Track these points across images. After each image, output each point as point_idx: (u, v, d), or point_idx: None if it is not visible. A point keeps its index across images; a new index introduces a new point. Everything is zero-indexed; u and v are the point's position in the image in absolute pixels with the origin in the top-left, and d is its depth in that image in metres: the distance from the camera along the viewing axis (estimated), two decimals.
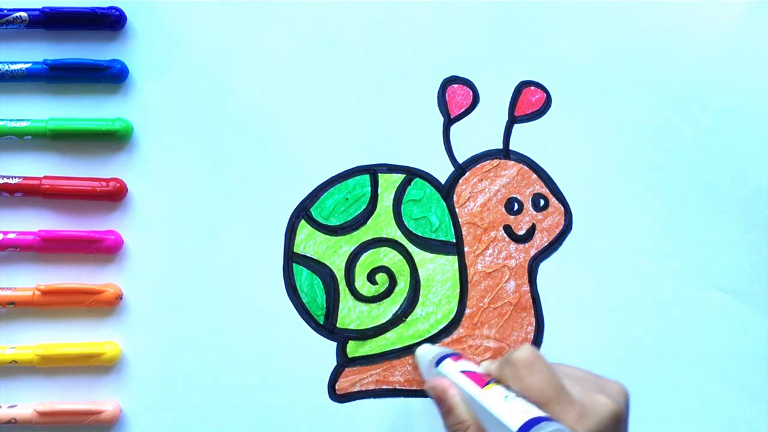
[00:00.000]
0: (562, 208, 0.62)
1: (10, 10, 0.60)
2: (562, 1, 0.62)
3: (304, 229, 0.61)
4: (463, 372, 0.51)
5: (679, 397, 0.61)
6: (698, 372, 0.61)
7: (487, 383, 0.48)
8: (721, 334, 0.61)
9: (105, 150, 0.61)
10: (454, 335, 0.61)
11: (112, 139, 0.60)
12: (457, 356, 0.54)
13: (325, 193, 0.61)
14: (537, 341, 0.61)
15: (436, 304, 0.61)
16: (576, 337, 0.61)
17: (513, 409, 0.44)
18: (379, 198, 0.61)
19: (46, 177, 0.60)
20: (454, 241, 0.61)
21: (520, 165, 0.62)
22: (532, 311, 0.61)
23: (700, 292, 0.61)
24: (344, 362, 0.61)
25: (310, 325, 0.61)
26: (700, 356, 0.61)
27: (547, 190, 0.62)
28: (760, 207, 0.62)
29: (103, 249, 0.60)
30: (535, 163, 0.62)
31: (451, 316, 0.61)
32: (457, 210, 0.61)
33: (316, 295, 0.61)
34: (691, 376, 0.61)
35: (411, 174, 0.61)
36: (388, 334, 0.61)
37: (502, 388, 0.47)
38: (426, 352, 0.58)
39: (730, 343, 0.61)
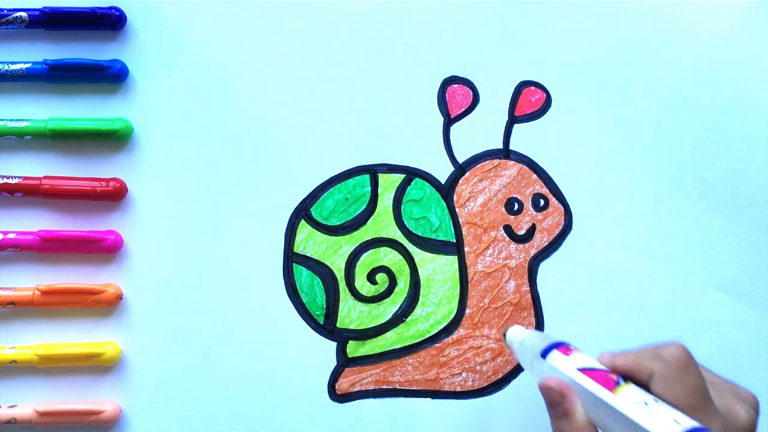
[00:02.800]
0: (562, 208, 0.62)
1: (10, 10, 0.60)
2: (563, 1, 0.62)
3: (304, 229, 0.61)
4: (582, 370, 0.45)
5: None
6: None
7: (616, 384, 0.43)
8: (721, 334, 0.61)
9: (105, 150, 0.61)
10: (455, 335, 0.61)
11: (112, 139, 0.60)
12: (566, 348, 0.48)
13: (325, 193, 0.61)
14: None
15: (436, 304, 0.61)
16: (576, 337, 0.61)
17: (662, 419, 0.40)
18: (379, 198, 0.61)
19: (46, 177, 0.60)
20: (454, 241, 0.61)
21: (520, 165, 0.62)
22: (532, 311, 0.61)
23: (700, 292, 0.61)
24: (344, 362, 0.61)
25: (310, 325, 0.61)
26: (700, 356, 0.61)
27: (547, 190, 0.62)
28: (760, 207, 0.62)
29: (103, 249, 0.60)
30: (535, 163, 0.62)
31: (452, 316, 0.61)
32: (457, 210, 0.61)
33: (316, 295, 0.61)
34: None
35: (411, 174, 0.61)
36: (388, 334, 0.61)
37: (634, 389, 0.43)
38: (525, 338, 0.51)
39: (730, 343, 0.61)
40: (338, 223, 0.61)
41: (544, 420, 0.61)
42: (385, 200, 0.61)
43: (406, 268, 0.61)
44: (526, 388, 0.61)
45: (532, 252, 0.61)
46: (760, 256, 0.62)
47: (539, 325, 0.61)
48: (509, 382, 0.61)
